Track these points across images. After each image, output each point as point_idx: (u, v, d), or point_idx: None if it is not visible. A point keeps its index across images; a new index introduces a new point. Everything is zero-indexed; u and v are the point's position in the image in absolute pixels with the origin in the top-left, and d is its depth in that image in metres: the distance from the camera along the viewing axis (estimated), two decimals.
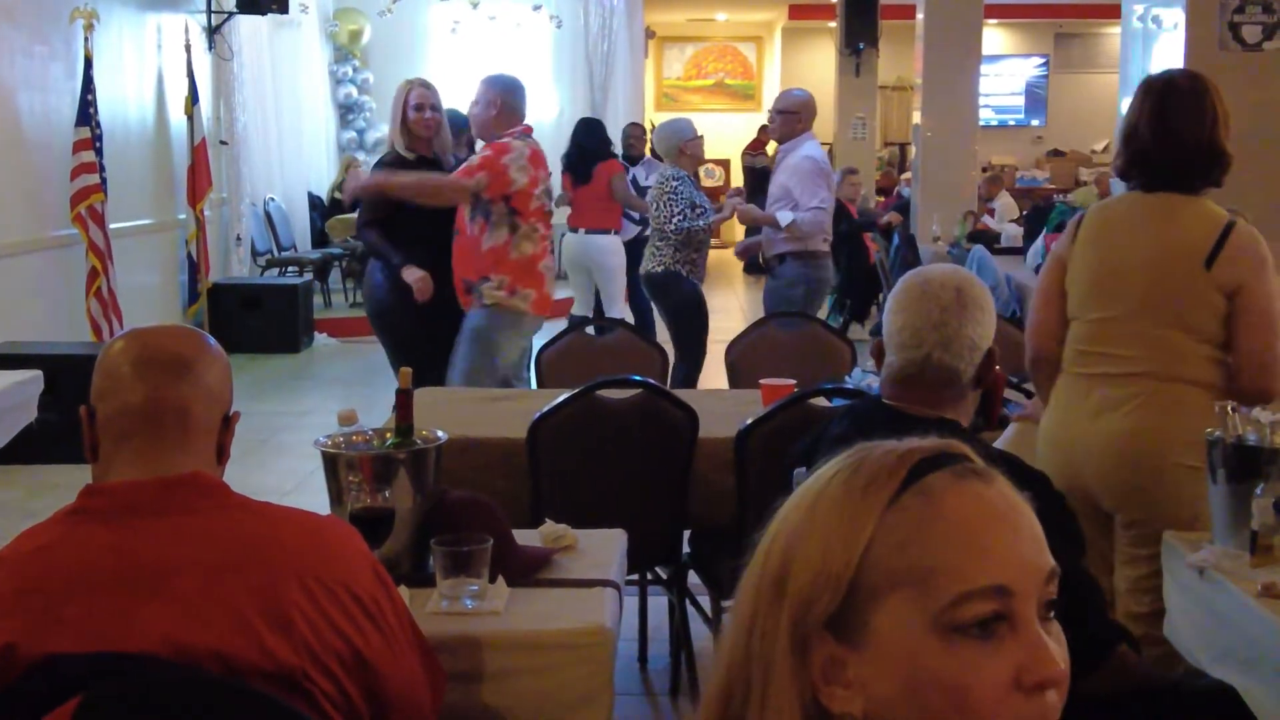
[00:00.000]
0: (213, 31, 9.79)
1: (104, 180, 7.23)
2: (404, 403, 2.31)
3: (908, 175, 12.25)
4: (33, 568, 1.53)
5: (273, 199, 11.22)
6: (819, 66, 16.65)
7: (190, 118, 8.84)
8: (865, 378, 3.75)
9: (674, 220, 5.78)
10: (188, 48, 8.84)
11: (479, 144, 4.83)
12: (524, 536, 2.39)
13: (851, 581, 0.90)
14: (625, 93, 13.71)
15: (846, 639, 0.91)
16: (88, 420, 1.64)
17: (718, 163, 17.23)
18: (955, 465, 0.93)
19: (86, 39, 7.31)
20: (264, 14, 9.87)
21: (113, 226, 7.32)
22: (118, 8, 8.12)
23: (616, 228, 7.77)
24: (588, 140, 7.85)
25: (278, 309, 9.42)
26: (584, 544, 2.43)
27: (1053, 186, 16.03)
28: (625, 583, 2.44)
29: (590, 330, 4.66)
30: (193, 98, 8.83)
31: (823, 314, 6.01)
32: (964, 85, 9.85)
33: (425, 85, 4.91)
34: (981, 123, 11.13)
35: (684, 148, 5.95)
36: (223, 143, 10.00)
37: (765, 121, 8.64)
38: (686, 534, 3.50)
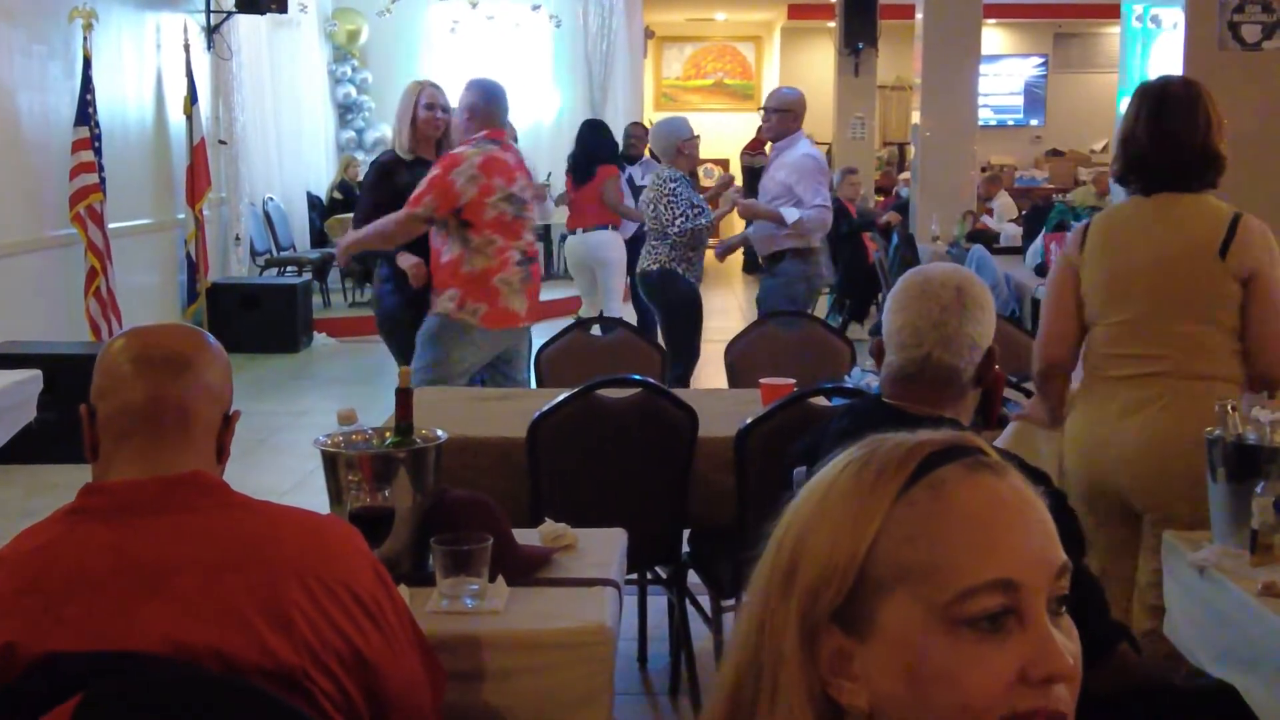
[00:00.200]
0: (212, 31, 9.79)
1: (103, 180, 7.23)
2: (404, 402, 2.31)
3: (906, 175, 12.25)
4: (32, 567, 1.52)
5: (272, 199, 11.21)
6: (818, 66, 16.65)
7: (189, 117, 8.84)
8: (865, 377, 3.75)
9: (677, 223, 5.73)
10: (186, 47, 8.84)
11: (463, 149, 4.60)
12: (524, 536, 2.38)
13: (859, 573, 0.90)
14: (624, 92, 13.71)
15: (854, 631, 0.91)
16: (88, 419, 1.64)
17: (717, 162, 17.23)
18: (967, 458, 0.92)
19: (85, 38, 7.30)
20: (263, 14, 9.87)
21: (112, 226, 7.32)
22: (116, 7, 8.12)
23: (615, 223, 7.78)
24: (591, 142, 7.88)
25: (277, 309, 9.42)
26: (584, 543, 2.43)
27: (1051, 186, 16.03)
28: (625, 582, 2.44)
29: (591, 330, 4.66)
30: (191, 97, 8.83)
31: (821, 313, 6.02)
32: (963, 85, 9.85)
33: (435, 86, 4.92)
34: (980, 122, 11.13)
35: (682, 147, 5.94)
36: (222, 142, 10.00)
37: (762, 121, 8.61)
38: (686, 533, 3.50)
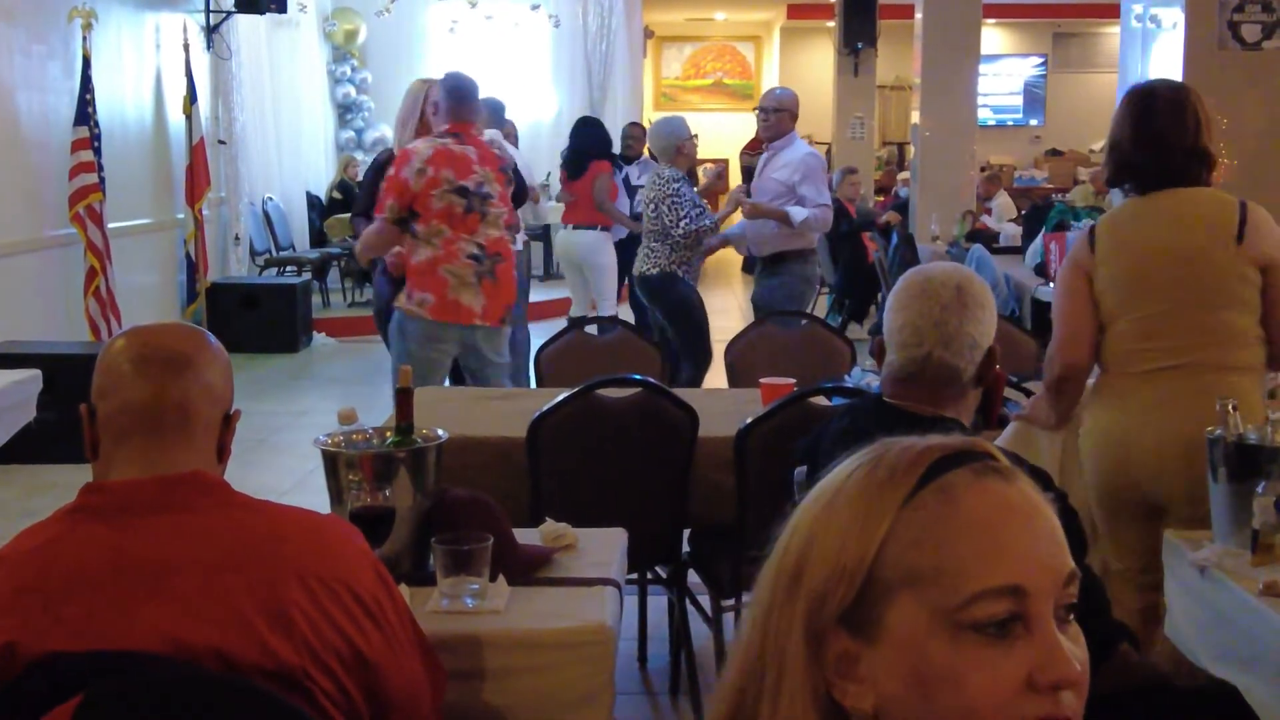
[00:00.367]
0: (211, 31, 9.78)
1: (102, 180, 7.22)
2: (404, 401, 2.30)
3: (905, 175, 12.25)
4: (32, 566, 1.52)
5: (271, 198, 11.21)
6: (817, 66, 16.66)
7: (189, 117, 8.83)
8: (864, 377, 3.75)
9: (681, 224, 5.67)
10: (186, 47, 8.83)
11: (416, 144, 4.63)
12: (524, 535, 2.38)
13: (866, 577, 0.90)
14: (624, 92, 13.72)
15: (860, 634, 0.90)
16: (88, 418, 1.63)
17: (716, 162, 17.23)
18: (975, 463, 0.92)
19: (85, 38, 7.30)
20: (262, 13, 9.87)
21: (111, 226, 7.31)
22: (116, 7, 8.12)
23: (604, 224, 7.79)
24: (583, 137, 7.93)
25: (276, 308, 9.41)
26: (584, 543, 2.43)
27: (1051, 186, 16.03)
28: (625, 582, 2.44)
29: (590, 329, 4.66)
30: (191, 97, 8.83)
31: (821, 313, 6.02)
32: (962, 85, 9.85)
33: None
34: (980, 122, 11.13)
35: (682, 147, 5.93)
36: (221, 142, 10.00)
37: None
38: (686, 533, 3.50)
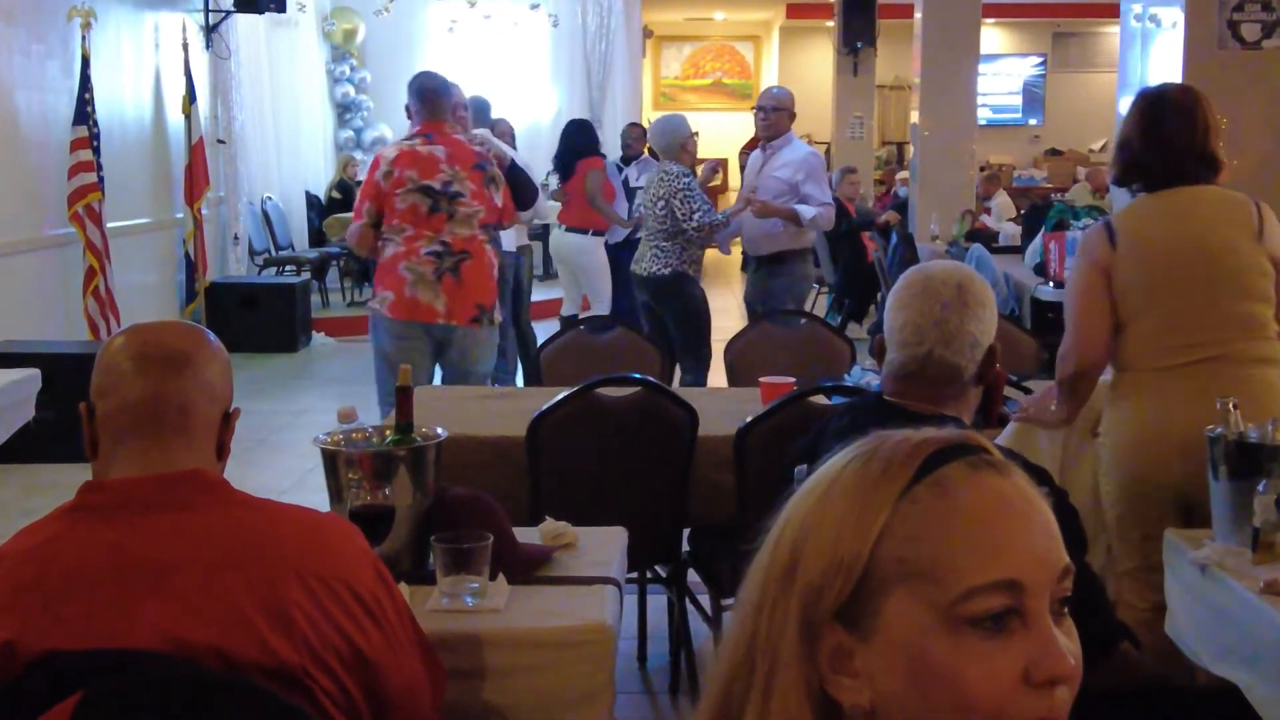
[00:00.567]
0: (210, 30, 9.78)
1: (101, 179, 7.22)
2: (403, 400, 2.30)
3: (904, 174, 12.25)
4: (32, 565, 1.52)
5: (270, 198, 11.21)
6: (817, 66, 16.67)
7: (188, 116, 8.83)
8: (864, 376, 3.75)
9: (694, 218, 5.65)
10: (185, 46, 8.83)
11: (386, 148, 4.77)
12: (524, 534, 2.38)
13: (862, 572, 0.90)
14: (623, 92, 13.71)
15: (855, 629, 0.90)
16: (87, 417, 1.63)
17: (717, 162, 17.21)
18: (971, 456, 0.92)
19: (84, 37, 7.29)
20: (261, 13, 9.87)
21: (110, 225, 7.30)
22: (115, 6, 8.11)
23: (596, 228, 7.80)
24: (568, 138, 7.97)
25: (275, 308, 9.41)
26: (584, 542, 2.43)
27: (1050, 186, 16.04)
28: (625, 581, 2.43)
29: (595, 328, 4.66)
30: (190, 96, 8.82)
31: (820, 313, 6.03)
32: (962, 84, 9.85)
33: (456, 85, 5.01)
34: (979, 122, 11.13)
35: (685, 144, 5.93)
36: (220, 141, 9.99)
37: None
38: (686, 532, 3.49)
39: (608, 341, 4.48)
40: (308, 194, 12.07)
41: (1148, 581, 2.83)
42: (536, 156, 11.40)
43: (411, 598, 2.04)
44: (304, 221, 11.90)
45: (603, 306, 7.72)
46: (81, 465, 1.63)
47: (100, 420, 1.62)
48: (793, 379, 3.55)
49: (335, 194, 11.90)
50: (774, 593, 0.92)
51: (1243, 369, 2.81)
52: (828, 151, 14.02)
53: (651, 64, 18.45)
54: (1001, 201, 11.52)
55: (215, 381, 1.66)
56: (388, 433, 2.32)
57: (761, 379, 3.63)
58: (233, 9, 9.72)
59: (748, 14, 18.58)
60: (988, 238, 9.29)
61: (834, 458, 0.96)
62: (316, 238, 11.80)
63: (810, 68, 17.22)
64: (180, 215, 8.99)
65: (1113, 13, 6.71)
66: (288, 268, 10.89)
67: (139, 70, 8.61)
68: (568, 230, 7.85)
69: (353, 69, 13.11)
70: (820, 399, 3.24)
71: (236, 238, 10.26)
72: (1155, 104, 2.93)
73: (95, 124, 7.25)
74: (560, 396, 3.24)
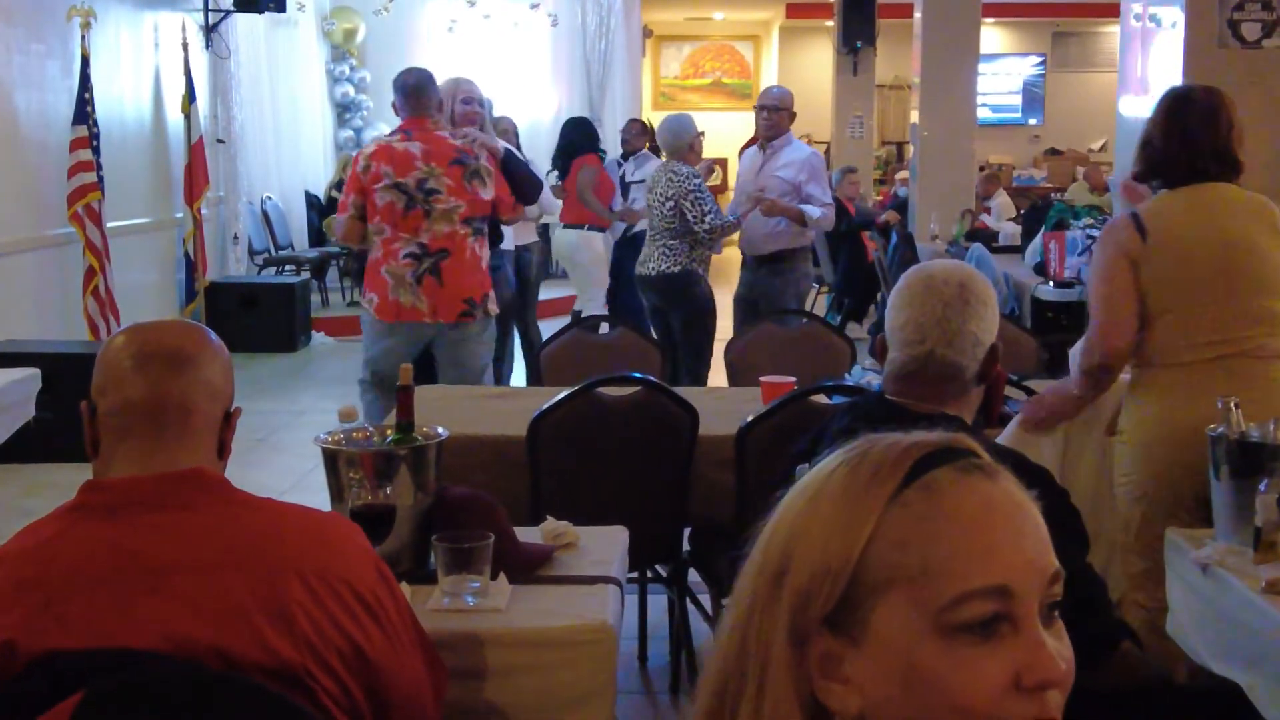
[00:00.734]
0: (210, 30, 9.77)
1: (101, 179, 7.21)
2: (404, 400, 2.30)
3: (904, 174, 12.25)
4: (33, 564, 1.52)
5: (270, 198, 11.21)
6: (816, 66, 16.66)
7: (187, 116, 8.82)
8: (864, 375, 3.75)
9: (707, 219, 5.62)
10: (185, 46, 8.82)
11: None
12: (525, 534, 2.38)
13: (851, 578, 0.89)
14: (622, 92, 13.72)
15: (845, 635, 0.90)
16: (88, 416, 1.63)
17: (715, 161, 17.23)
18: (960, 461, 0.91)
19: (83, 37, 7.29)
20: (261, 12, 9.86)
21: (110, 225, 7.30)
22: (115, 6, 8.11)
23: (591, 222, 7.82)
24: (564, 137, 8.01)
25: (275, 308, 9.41)
26: (585, 541, 2.42)
27: (1050, 185, 16.03)
28: (625, 580, 2.43)
29: (593, 329, 4.66)
30: (190, 96, 8.82)
31: (820, 312, 6.04)
32: (961, 84, 9.85)
33: (469, 81, 5.10)
34: (979, 121, 11.13)
35: (694, 144, 5.93)
36: (220, 141, 9.99)
37: None
38: (687, 532, 3.49)
39: (608, 341, 4.48)
40: (307, 194, 12.07)
41: (1161, 581, 2.83)
42: (536, 155, 11.35)
43: (413, 597, 2.03)
44: (304, 221, 11.89)
45: (594, 305, 7.75)
46: (82, 465, 1.62)
47: (101, 419, 1.62)
48: (793, 379, 3.55)
49: (335, 194, 11.88)
50: (763, 598, 0.92)
51: (1266, 365, 2.84)
52: (827, 151, 14.01)
53: (651, 63, 18.44)
54: (1001, 201, 11.52)
55: (216, 380, 1.66)
56: (389, 432, 2.32)
57: (762, 379, 3.63)
58: (232, 9, 9.72)
59: (747, 14, 18.57)
60: (988, 237, 9.29)
61: (823, 461, 0.96)
62: (316, 237, 11.79)
63: (810, 67, 17.21)
64: (180, 215, 8.98)
65: (1112, 12, 6.70)
66: (287, 267, 10.89)
67: (138, 70, 8.61)
68: (565, 227, 7.90)
69: (352, 69, 13.10)
70: (820, 399, 3.24)
71: (236, 237, 10.26)
72: (1180, 103, 2.96)
73: (95, 124, 7.25)
74: (560, 396, 3.24)
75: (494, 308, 4.70)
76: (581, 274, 7.95)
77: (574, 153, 7.82)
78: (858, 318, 9.98)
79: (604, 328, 4.73)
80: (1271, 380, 2.80)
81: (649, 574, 3.67)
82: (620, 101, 13.51)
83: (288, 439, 6.62)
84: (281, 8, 9.94)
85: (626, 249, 7.62)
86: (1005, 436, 3.01)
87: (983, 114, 13.64)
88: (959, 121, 9.83)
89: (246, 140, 10.46)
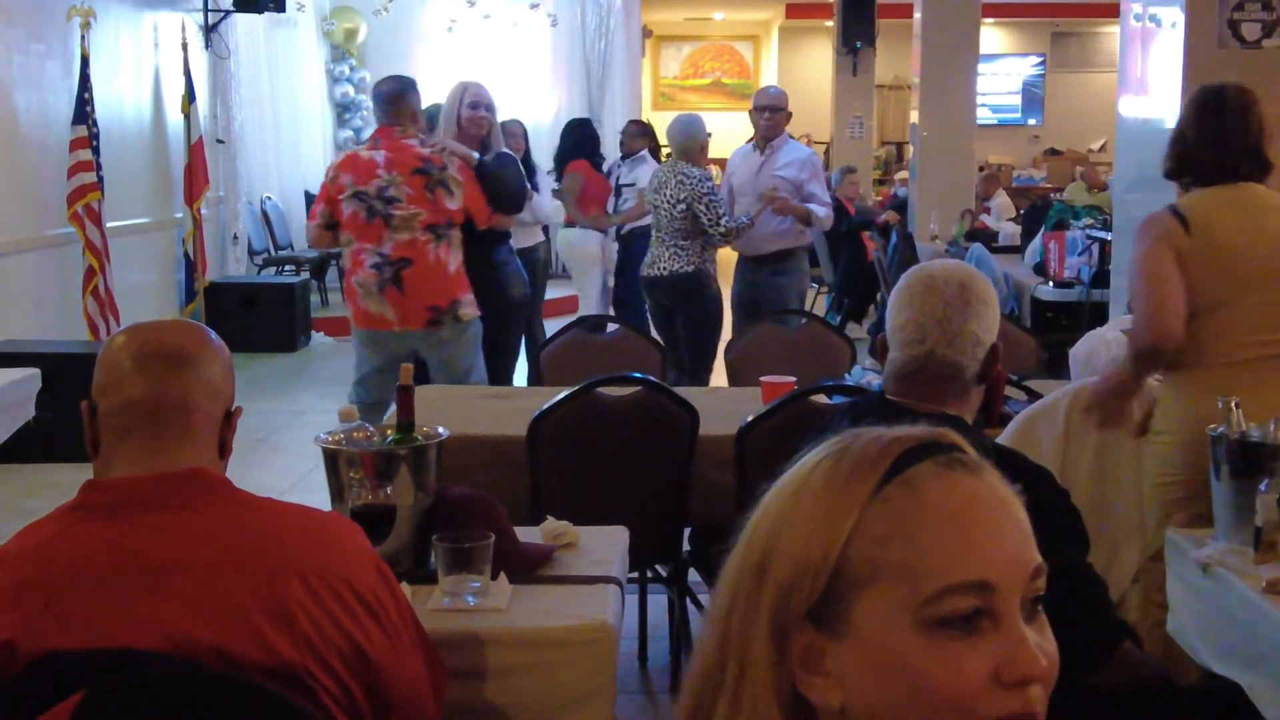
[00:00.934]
0: (210, 30, 9.77)
1: (101, 179, 7.21)
2: (405, 399, 2.30)
3: (903, 174, 12.25)
4: (33, 563, 1.52)
5: (269, 198, 11.20)
6: (816, 66, 16.68)
7: (187, 116, 8.82)
8: (864, 375, 3.75)
9: (722, 222, 5.59)
10: (184, 46, 8.82)
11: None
12: (525, 534, 2.38)
13: (833, 572, 0.89)
14: (622, 92, 13.70)
15: (827, 629, 0.90)
16: (88, 416, 1.63)
17: (715, 161, 17.23)
18: (942, 455, 0.91)
19: (83, 37, 7.29)
20: (261, 12, 9.85)
21: (110, 225, 7.30)
22: (114, 6, 8.11)
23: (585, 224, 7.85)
24: (562, 141, 8.04)
25: (275, 308, 9.41)
26: (585, 541, 2.42)
27: (1049, 185, 16.04)
28: (626, 580, 2.43)
29: (593, 328, 4.65)
30: (189, 96, 8.81)
31: (820, 312, 6.05)
32: (961, 84, 9.86)
33: (480, 86, 5.06)
34: (979, 122, 11.13)
35: (705, 145, 5.93)
36: (220, 141, 9.98)
37: None
38: (686, 532, 3.49)
39: (608, 340, 4.48)
40: (307, 194, 12.05)
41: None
42: (536, 156, 11.38)
43: (413, 597, 2.03)
44: (303, 221, 11.82)
45: (589, 304, 7.77)
46: (82, 465, 1.62)
47: (101, 419, 1.61)
48: (793, 379, 3.55)
49: None
50: (745, 592, 0.92)
51: None
52: (827, 151, 14.03)
53: (651, 64, 18.45)
54: (1001, 201, 11.52)
55: (216, 380, 1.66)
56: (389, 432, 2.32)
57: (762, 379, 3.64)
58: (232, 9, 9.71)
59: (747, 14, 18.58)
60: (987, 237, 9.29)
61: (806, 456, 0.95)
62: None
63: (809, 68, 17.23)
64: (180, 215, 8.98)
65: (1112, 12, 6.70)
66: (287, 267, 10.89)
67: (138, 70, 8.61)
68: (564, 228, 7.94)
69: (352, 69, 13.10)
70: (820, 399, 3.24)
71: (236, 237, 10.26)
72: (1213, 100, 2.96)
73: (95, 123, 7.25)
74: (560, 396, 3.24)
75: (469, 312, 4.64)
76: (574, 272, 8.01)
77: (565, 158, 7.86)
78: (858, 318, 9.98)
79: (610, 327, 4.73)
80: None
81: (649, 574, 3.67)
82: (620, 102, 13.50)
83: (288, 439, 6.62)
84: (281, 8, 9.94)
85: (623, 248, 7.63)
86: (1006, 436, 3.01)
87: (982, 114, 13.65)
88: (958, 122, 9.84)
89: (246, 140, 10.46)
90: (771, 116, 5.91)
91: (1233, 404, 2.46)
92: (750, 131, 6.11)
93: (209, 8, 9.70)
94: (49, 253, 7.11)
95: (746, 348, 4.50)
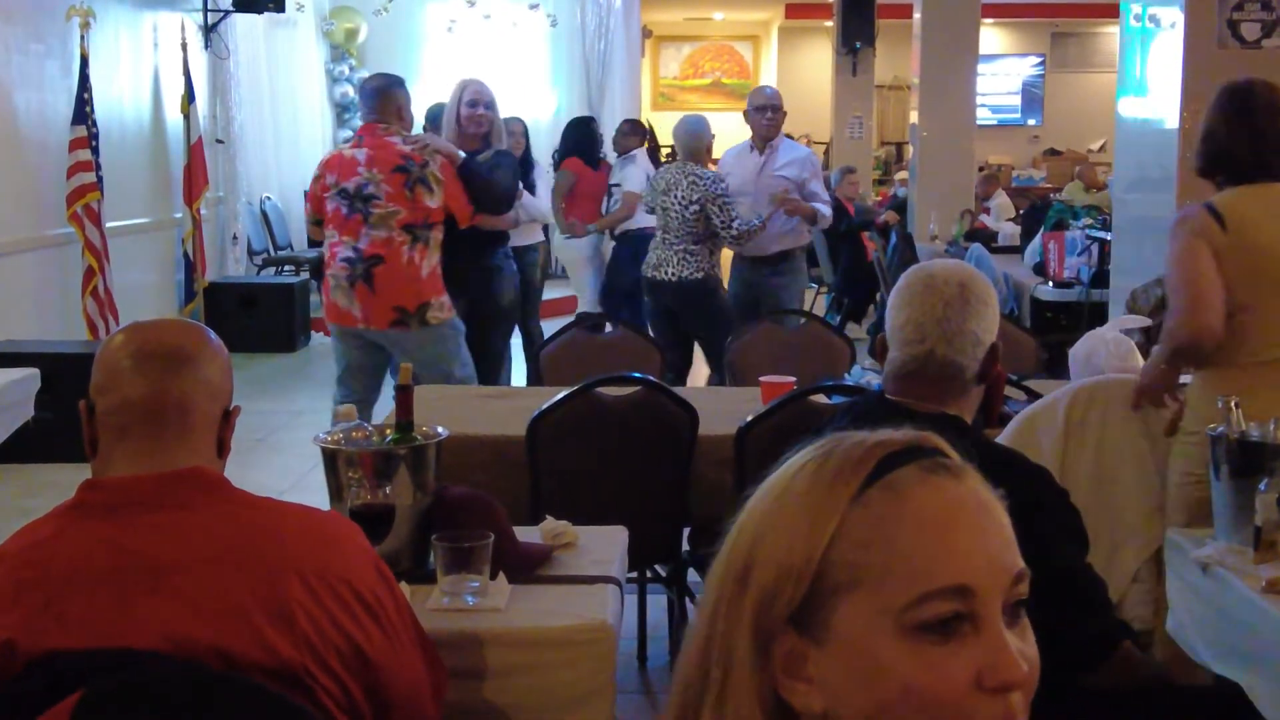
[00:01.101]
0: (209, 30, 9.77)
1: (100, 179, 7.21)
2: (404, 399, 2.30)
3: (903, 175, 12.25)
4: (31, 563, 1.52)
5: (269, 198, 11.20)
6: (816, 66, 16.67)
7: (187, 116, 8.81)
8: (864, 375, 3.75)
9: (735, 224, 5.55)
10: (184, 46, 8.82)
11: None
12: (524, 534, 2.38)
13: (815, 577, 0.89)
14: (622, 92, 13.69)
15: (809, 634, 0.89)
16: (87, 415, 1.62)
17: (715, 162, 17.22)
18: (925, 459, 0.91)
19: (83, 37, 7.28)
20: (260, 12, 9.85)
21: (109, 225, 7.29)
22: (114, 6, 8.10)
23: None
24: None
25: (274, 308, 9.40)
26: (585, 541, 2.42)
27: (1049, 185, 16.03)
28: (625, 580, 2.43)
29: (593, 328, 4.65)
30: (189, 96, 8.81)
31: (820, 312, 6.05)
32: (961, 85, 9.85)
33: (480, 84, 5.06)
34: (978, 122, 11.13)
35: (710, 147, 5.94)
36: (219, 141, 9.98)
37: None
38: (686, 531, 3.49)
39: (607, 341, 4.48)
40: (306, 194, 12.05)
41: None
42: (536, 156, 11.39)
43: (412, 597, 2.03)
44: (302, 221, 11.86)
45: (586, 304, 7.79)
46: (81, 465, 1.62)
47: (100, 418, 1.61)
48: (793, 378, 3.55)
49: None
50: (729, 597, 0.92)
51: None
52: (827, 151, 14.02)
53: (650, 64, 18.44)
54: (1001, 201, 11.52)
55: (215, 379, 1.66)
56: (388, 431, 2.32)
57: (761, 378, 3.63)
58: (232, 9, 9.71)
59: (747, 14, 18.58)
60: (987, 238, 9.29)
61: (790, 460, 0.95)
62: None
63: (809, 68, 17.23)
64: (179, 215, 8.97)
65: (1112, 13, 6.70)
66: (286, 268, 10.88)
67: (138, 70, 8.60)
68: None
69: (352, 69, 13.08)
70: (820, 399, 3.24)
71: (235, 237, 10.25)
72: (1243, 95, 2.94)
73: (94, 124, 7.24)
74: (560, 396, 3.24)
75: (439, 315, 4.57)
76: (571, 271, 8.07)
77: (564, 156, 7.85)
78: (857, 318, 9.97)
79: (609, 327, 4.72)
80: None
81: (649, 574, 3.67)
82: (619, 102, 13.49)
83: (287, 439, 6.61)
84: (281, 8, 9.93)
85: (624, 248, 7.61)
86: (1005, 436, 3.01)
87: (982, 114, 13.64)
88: (958, 122, 9.84)
89: (246, 140, 10.45)
90: (773, 116, 5.90)
91: (1233, 404, 2.46)
92: (747, 132, 6.08)
93: (208, 8, 9.70)
94: (48, 253, 7.11)
95: (746, 348, 4.49)
